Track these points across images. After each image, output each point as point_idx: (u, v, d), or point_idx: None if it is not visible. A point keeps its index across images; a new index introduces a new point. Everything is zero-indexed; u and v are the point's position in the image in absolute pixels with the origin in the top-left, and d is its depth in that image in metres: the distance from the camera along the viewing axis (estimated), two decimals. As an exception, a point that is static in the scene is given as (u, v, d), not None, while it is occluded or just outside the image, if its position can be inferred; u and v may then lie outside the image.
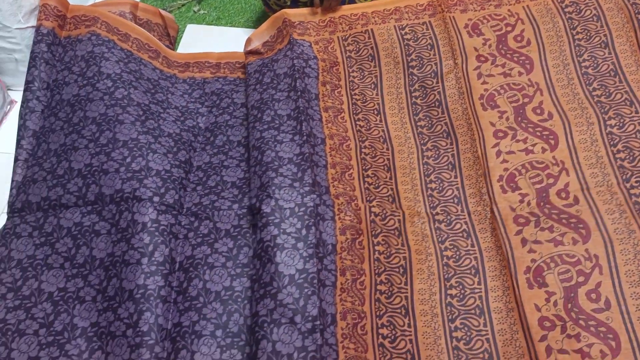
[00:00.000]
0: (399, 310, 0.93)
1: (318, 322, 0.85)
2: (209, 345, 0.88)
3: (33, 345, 0.91)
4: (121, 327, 0.90)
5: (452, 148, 1.07)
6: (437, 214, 1.01)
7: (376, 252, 0.97)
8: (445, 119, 1.10)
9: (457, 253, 0.96)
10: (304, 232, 0.93)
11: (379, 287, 0.94)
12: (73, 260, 0.99)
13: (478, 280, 0.93)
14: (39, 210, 1.05)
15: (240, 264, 0.95)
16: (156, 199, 1.00)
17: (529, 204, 0.96)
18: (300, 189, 0.98)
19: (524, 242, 0.92)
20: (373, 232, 0.99)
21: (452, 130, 1.08)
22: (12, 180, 1.09)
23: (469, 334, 0.89)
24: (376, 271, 0.96)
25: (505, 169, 1.00)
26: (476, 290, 0.92)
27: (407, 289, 0.94)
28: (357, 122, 1.12)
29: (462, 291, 0.93)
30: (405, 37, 1.21)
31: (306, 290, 0.88)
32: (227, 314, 0.91)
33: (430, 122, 1.11)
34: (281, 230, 0.93)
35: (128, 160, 1.04)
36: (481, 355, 0.87)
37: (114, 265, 0.96)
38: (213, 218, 1.02)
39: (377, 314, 0.92)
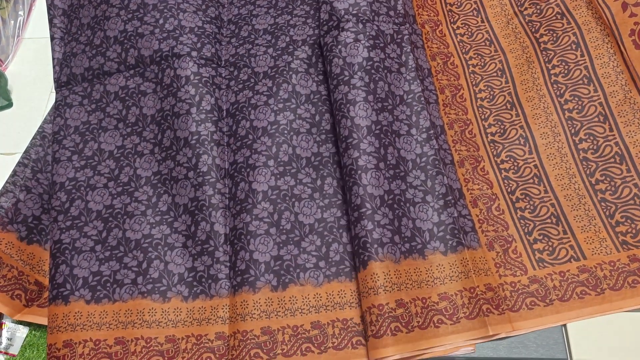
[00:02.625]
0: (504, 107, 0.99)
1: (432, 132, 0.94)
2: (264, 174, 0.94)
3: (105, 196, 0.99)
4: (182, 171, 0.97)
5: None
6: (526, 8, 1.03)
7: (470, 66, 1.03)
8: None
9: (554, 35, 0.99)
10: (403, 58, 0.99)
11: (479, 95, 1.01)
12: (126, 121, 1.05)
13: (580, 52, 0.96)
14: (84, 80, 1.09)
15: (281, 99, 0.99)
16: (194, 53, 1.03)
17: None
18: (395, 19, 1.02)
19: (624, 6, 0.93)
20: (463, 51, 1.03)
21: None
22: (53, 58, 1.13)
23: (580, 103, 0.94)
24: (474, 82, 1.02)
25: None
26: (580, 62, 0.96)
27: (508, 86, 0.99)
28: None
29: (566, 67, 0.96)
30: None
31: (415, 107, 0.96)
32: (275, 145, 0.96)
33: None
34: (387, 55, 0.97)
35: (161, 21, 1.07)
36: (596, 119, 0.92)
37: (165, 119, 1.02)
38: (250, 64, 1.05)
39: (482, 117, 0.99)
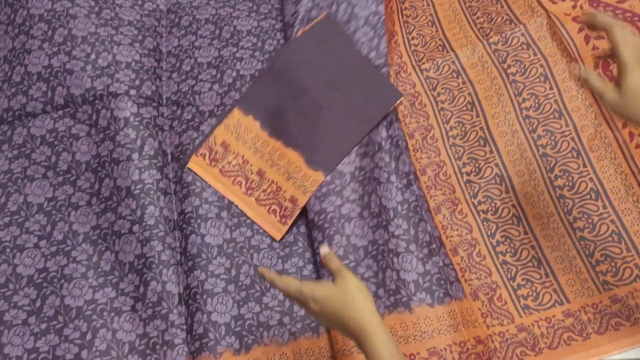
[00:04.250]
0: (477, 143, 0.95)
1: (412, 176, 0.91)
2: (217, 226, 0.87)
3: (37, 257, 0.88)
4: (126, 224, 0.88)
5: None
6: (491, 36, 1.00)
7: (439, 103, 0.99)
8: None
9: (522, 66, 0.96)
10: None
11: (450, 132, 0.96)
12: (56, 168, 0.94)
13: (549, 85, 0.94)
14: (3, 123, 0.97)
15: None
16: (133, 92, 0.94)
17: (581, 7, 0.96)
18: None
19: (587, 39, 0.93)
20: (431, 87, 1.00)
21: None
22: (-36, 97, 0.99)
23: (553, 138, 0.91)
24: (444, 120, 0.97)
25: None
26: (550, 96, 0.94)
27: (480, 120, 0.96)
28: None
29: (537, 100, 0.94)
30: None
31: (394, 152, 0.92)
32: None
33: None
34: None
35: (93, 56, 0.96)
36: (570, 155, 0.90)
37: (102, 166, 0.91)
38: (195, 102, 0.97)
39: (456, 156, 0.95)
